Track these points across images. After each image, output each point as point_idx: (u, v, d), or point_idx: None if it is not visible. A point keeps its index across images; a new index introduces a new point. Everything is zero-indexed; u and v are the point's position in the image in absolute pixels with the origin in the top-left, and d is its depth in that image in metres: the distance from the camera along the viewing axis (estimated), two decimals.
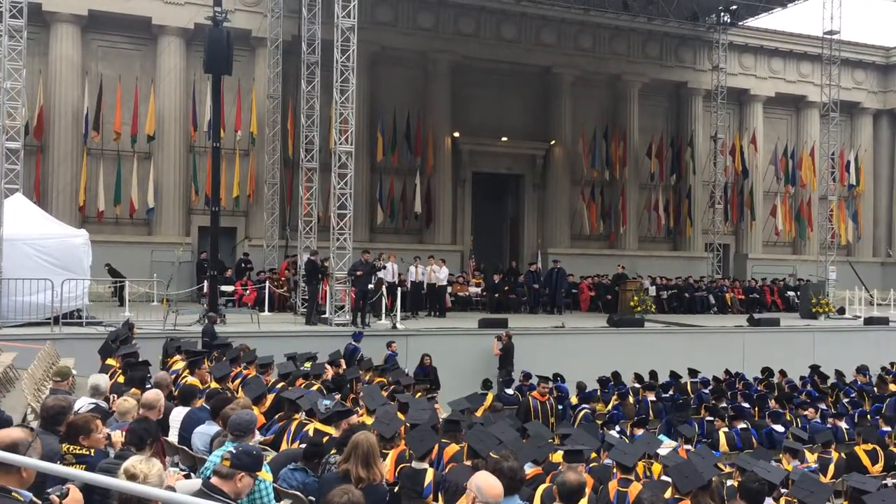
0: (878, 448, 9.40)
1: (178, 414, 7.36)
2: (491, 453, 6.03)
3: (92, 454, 4.99)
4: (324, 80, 20.26)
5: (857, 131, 34.27)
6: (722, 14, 29.28)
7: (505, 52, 27.57)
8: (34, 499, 3.82)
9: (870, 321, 22.91)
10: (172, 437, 7.24)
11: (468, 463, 6.45)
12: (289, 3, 23.10)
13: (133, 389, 7.71)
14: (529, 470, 6.48)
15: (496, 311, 22.07)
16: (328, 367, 12.29)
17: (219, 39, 17.33)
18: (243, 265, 23.01)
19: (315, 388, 10.54)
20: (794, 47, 31.95)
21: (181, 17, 23.22)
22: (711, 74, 29.60)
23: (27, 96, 19.75)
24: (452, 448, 7.08)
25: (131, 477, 3.95)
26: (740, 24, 29.83)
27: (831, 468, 9.05)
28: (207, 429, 6.85)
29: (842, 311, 25.34)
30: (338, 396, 9.68)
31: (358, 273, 17.52)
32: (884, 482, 7.03)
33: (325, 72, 19.83)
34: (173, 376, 9.60)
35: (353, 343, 15.70)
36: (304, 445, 6.46)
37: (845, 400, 14.43)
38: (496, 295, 23.55)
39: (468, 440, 6.84)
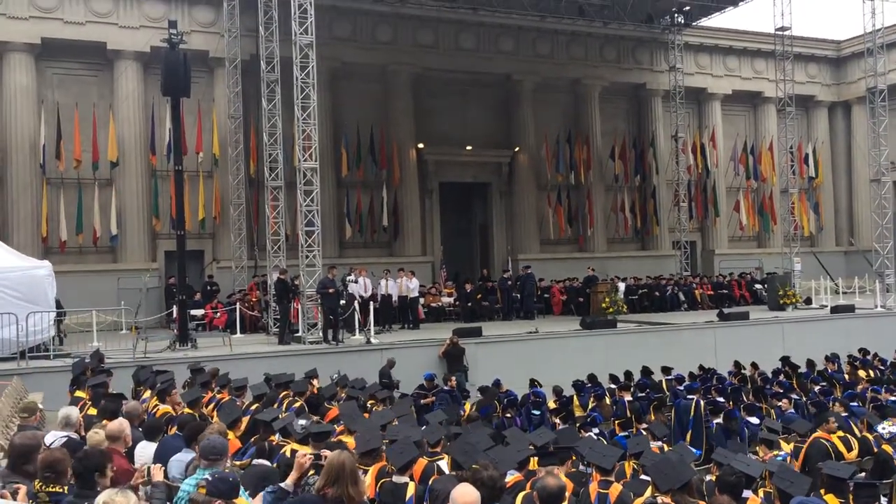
0: (848, 436, 9.52)
1: (142, 448, 7.19)
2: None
3: (66, 492, 4.86)
4: (284, 98, 20.12)
5: (813, 124, 34.97)
6: (676, 15, 29.70)
7: (464, 61, 27.69)
8: None
9: (836, 310, 23.28)
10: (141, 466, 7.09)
11: (454, 473, 6.40)
12: (245, 23, 22.97)
13: (104, 421, 7.55)
14: (510, 477, 6.47)
15: (470, 321, 22.08)
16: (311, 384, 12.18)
17: (175, 62, 17.15)
18: (209, 288, 22.78)
19: (297, 405, 10.44)
20: (748, 45, 32.52)
21: (137, 41, 23.00)
22: (669, 75, 30.00)
23: None
24: (421, 463, 7.00)
25: None
26: (694, 24, 30.28)
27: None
28: (184, 456, 6.72)
29: (808, 301, 25.75)
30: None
31: (330, 291, 17.40)
32: (857, 470, 7.11)
33: (286, 89, 19.70)
34: (144, 405, 9.44)
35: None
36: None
37: (816, 388, 14.63)
38: (469, 304, 23.57)
39: (452, 453, 6.78)
